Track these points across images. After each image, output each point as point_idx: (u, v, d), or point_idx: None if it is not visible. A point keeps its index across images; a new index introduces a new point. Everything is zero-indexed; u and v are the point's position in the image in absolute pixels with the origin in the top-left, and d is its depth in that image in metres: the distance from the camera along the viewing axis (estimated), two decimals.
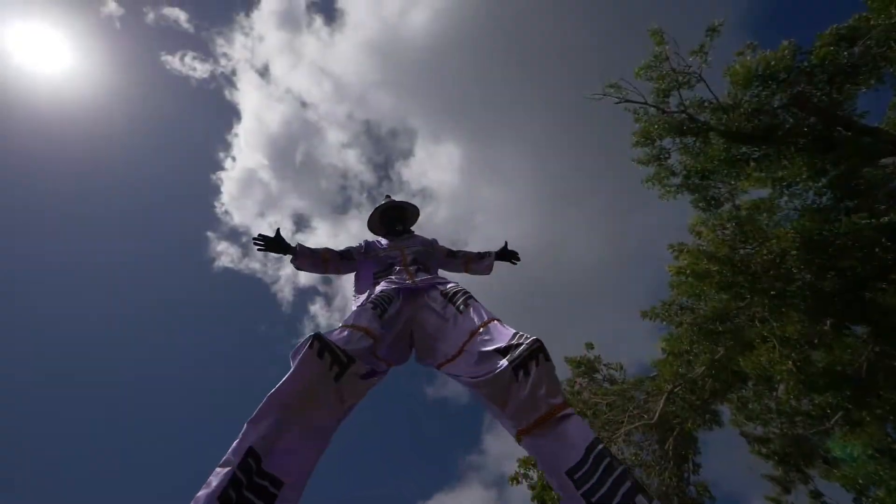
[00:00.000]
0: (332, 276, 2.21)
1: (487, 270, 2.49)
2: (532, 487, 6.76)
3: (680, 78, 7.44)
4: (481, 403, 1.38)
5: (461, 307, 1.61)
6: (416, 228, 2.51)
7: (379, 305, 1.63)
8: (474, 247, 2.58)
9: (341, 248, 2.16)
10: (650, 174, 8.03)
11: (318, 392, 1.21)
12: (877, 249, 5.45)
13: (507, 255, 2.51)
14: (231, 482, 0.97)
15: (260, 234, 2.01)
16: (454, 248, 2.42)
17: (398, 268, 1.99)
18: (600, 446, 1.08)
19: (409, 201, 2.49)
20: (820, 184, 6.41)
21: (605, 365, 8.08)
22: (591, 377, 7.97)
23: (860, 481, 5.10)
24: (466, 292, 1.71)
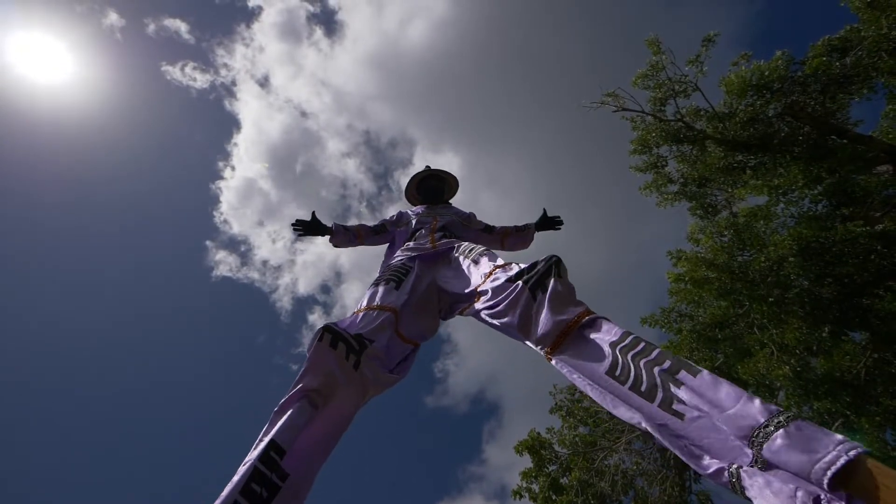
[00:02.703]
0: (367, 246, 2.27)
1: (526, 243, 2.32)
2: (534, 499, 6.72)
3: (676, 87, 7.55)
4: (510, 335, 1.30)
5: (477, 258, 1.54)
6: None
7: (392, 279, 1.56)
8: None
9: (376, 222, 2.22)
10: (648, 181, 8.11)
11: (339, 383, 1.16)
12: (873, 256, 5.50)
13: (548, 222, 2.32)
14: (252, 476, 0.93)
15: (297, 220, 2.12)
16: (491, 224, 2.31)
17: (423, 231, 1.95)
18: (630, 338, 0.98)
19: (449, 171, 2.39)
20: (816, 191, 6.47)
21: None
22: None
23: None
24: (484, 247, 1.64)
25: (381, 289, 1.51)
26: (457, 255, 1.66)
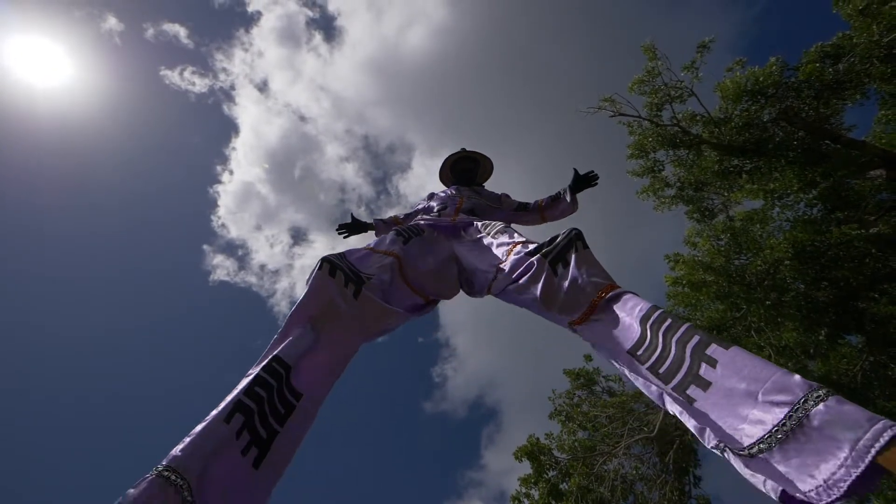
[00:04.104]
0: None
1: (569, 209, 2.15)
2: None
3: (672, 92, 7.62)
4: (532, 311, 1.28)
5: (496, 235, 1.53)
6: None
7: (402, 234, 1.57)
8: None
9: (410, 210, 2.27)
10: (645, 185, 8.16)
11: (340, 309, 1.14)
12: (867, 260, 5.55)
13: (582, 182, 2.12)
14: (256, 382, 0.89)
15: (340, 224, 2.31)
16: (524, 201, 2.23)
17: (448, 210, 1.94)
18: (657, 314, 0.96)
19: (484, 153, 2.34)
20: (810, 195, 6.53)
21: (604, 377, 8.08)
22: (591, 389, 7.96)
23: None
24: (504, 223, 1.63)
25: (388, 237, 1.53)
26: (475, 231, 1.67)
